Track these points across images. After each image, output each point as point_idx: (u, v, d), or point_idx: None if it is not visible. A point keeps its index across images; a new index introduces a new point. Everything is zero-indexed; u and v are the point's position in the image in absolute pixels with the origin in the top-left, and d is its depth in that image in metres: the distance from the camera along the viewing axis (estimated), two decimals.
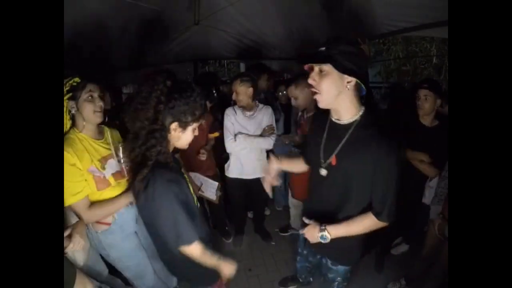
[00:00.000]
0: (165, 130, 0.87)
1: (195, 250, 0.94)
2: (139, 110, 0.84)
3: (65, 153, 1.02)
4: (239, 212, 2.37)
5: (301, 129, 1.97)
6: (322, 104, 0.95)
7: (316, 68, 0.91)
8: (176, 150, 1.04)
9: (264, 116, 1.95)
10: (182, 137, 0.93)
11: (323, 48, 0.88)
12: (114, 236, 1.19)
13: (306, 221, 1.09)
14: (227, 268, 1.05)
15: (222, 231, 2.45)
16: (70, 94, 1.05)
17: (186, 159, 1.92)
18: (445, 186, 1.66)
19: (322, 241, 1.03)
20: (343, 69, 0.87)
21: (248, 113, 1.92)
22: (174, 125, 0.88)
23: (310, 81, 0.93)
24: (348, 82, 0.89)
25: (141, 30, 2.34)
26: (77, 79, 1.06)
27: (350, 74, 0.87)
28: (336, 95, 0.91)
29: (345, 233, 1.02)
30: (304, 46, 2.80)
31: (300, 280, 1.62)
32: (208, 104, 2.04)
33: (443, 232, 1.46)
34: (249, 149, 1.96)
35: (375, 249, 2.11)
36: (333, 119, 1.02)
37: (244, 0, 2.04)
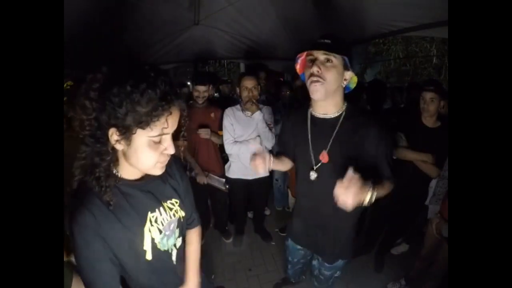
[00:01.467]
0: (102, 139, 0.58)
1: None
2: (68, 112, 0.59)
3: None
4: (240, 212, 2.37)
5: None
6: (320, 94, 0.90)
7: (322, 57, 0.88)
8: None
9: (264, 115, 1.95)
10: (132, 153, 0.59)
11: (329, 41, 0.86)
12: None
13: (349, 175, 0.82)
14: None
15: (222, 231, 2.45)
16: (65, 98, 1.07)
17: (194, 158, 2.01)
18: (443, 186, 1.66)
19: (366, 203, 0.87)
20: (350, 66, 0.89)
21: (248, 113, 1.92)
22: (111, 132, 0.57)
23: (314, 69, 0.88)
24: (345, 79, 0.92)
25: (141, 30, 2.34)
26: (70, 83, 1.07)
27: (351, 71, 0.91)
28: (335, 88, 0.92)
29: (381, 193, 0.91)
30: (303, 46, 2.80)
31: (293, 280, 1.61)
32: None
33: (441, 232, 1.46)
34: (249, 149, 1.97)
35: (375, 249, 2.11)
36: (317, 115, 1.00)
37: (244, 0, 2.04)
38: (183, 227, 0.84)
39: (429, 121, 1.65)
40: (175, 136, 0.66)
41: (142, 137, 0.58)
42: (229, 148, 1.96)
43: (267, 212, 2.78)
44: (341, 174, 0.91)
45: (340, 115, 0.97)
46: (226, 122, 1.95)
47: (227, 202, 2.39)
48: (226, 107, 2.01)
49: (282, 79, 3.12)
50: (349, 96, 1.01)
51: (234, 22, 2.46)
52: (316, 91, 0.90)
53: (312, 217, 1.13)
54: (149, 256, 0.71)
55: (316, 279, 1.29)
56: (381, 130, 0.93)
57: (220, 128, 2.05)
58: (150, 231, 0.70)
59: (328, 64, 0.88)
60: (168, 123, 0.58)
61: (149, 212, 0.71)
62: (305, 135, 1.03)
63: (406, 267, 1.89)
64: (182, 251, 0.86)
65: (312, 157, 1.01)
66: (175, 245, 0.81)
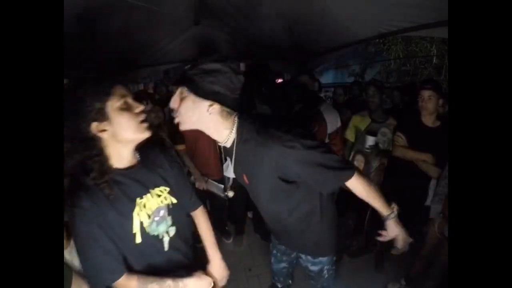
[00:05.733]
0: (86, 131, 0.70)
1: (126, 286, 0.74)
2: None
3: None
4: (240, 212, 2.37)
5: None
6: (182, 127, 0.84)
7: (179, 89, 0.80)
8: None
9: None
10: (117, 127, 0.72)
11: (188, 66, 0.80)
12: None
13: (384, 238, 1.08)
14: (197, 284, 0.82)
15: (222, 231, 2.45)
16: None
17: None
18: (445, 185, 1.66)
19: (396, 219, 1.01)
20: (201, 93, 0.75)
21: None
22: (94, 125, 0.70)
23: (171, 104, 0.82)
24: (210, 106, 0.78)
25: (141, 31, 2.34)
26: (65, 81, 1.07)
27: (210, 98, 0.76)
28: (196, 120, 0.81)
29: (377, 197, 0.94)
30: (303, 46, 2.80)
31: (279, 285, 1.54)
32: None
33: (443, 231, 1.46)
34: None
35: (375, 249, 2.11)
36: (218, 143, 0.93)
37: (244, 0, 2.04)
38: (177, 215, 0.89)
39: (428, 120, 1.66)
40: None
41: (114, 107, 0.71)
42: None
43: None
44: (262, 197, 0.97)
45: (233, 142, 0.88)
46: None
47: (226, 202, 2.39)
48: None
49: (281, 80, 3.12)
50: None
51: (234, 22, 2.46)
52: (178, 126, 0.84)
53: (272, 224, 1.15)
54: (138, 239, 0.77)
55: (309, 277, 1.30)
56: (277, 151, 0.81)
57: None
58: (138, 215, 0.77)
59: (182, 95, 0.79)
60: (118, 92, 0.72)
61: (138, 198, 0.78)
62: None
63: (406, 267, 1.89)
64: (178, 241, 0.88)
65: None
66: (167, 233, 0.85)
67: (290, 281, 1.56)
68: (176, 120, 0.83)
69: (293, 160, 0.82)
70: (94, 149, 0.71)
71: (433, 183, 1.75)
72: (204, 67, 0.75)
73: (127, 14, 2.02)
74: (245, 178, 0.95)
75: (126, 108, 0.73)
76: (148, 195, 0.80)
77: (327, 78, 9.86)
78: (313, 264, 1.21)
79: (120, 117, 0.71)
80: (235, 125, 0.86)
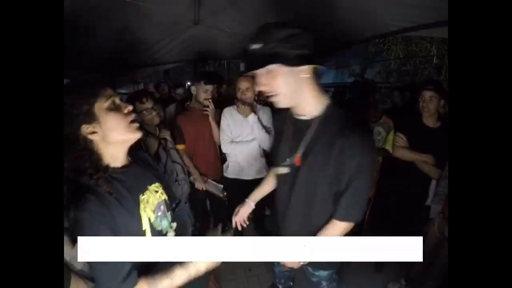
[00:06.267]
0: (75, 138, 0.69)
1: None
2: None
3: None
4: None
5: None
6: (282, 105, 0.83)
7: (261, 70, 0.78)
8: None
9: (262, 116, 1.93)
10: (107, 128, 0.71)
11: (258, 46, 0.74)
12: None
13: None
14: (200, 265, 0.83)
15: (222, 231, 2.44)
16: None
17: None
18: (445, 185, 1.67)
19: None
20: (294, 62, 0.74)
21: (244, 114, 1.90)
22: (84, 128, 0.69)
23: (261, 88, 0.80)
24: (302, 71, 0.77)
25: (141, 30, 2.34)
26: None
27: (302, 63, 0.75)
28: (294, 91, 0.80)
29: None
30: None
31: (280, 287, 1.51)
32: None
33: (443, 232, 1.46)
34: (247, 150, 1.96)
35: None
36: (294, 115, 0.91)
37: (245, 0, 2.04)
38: (177, 211, 0.93)
39: (429, 121, 1.66)
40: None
41: (101, 108, 0.70)
42: (225, 148, 1.96)
43: (267, 212, 2.78)
44: (307, 185, 0.89)
45: (319, 115, 0.85)
46: (223, 122, 1.94)
47: (226, 202, 2.39)
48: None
49: None
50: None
51: (235, 22, 2.46)
52: (275, 103, 0.83)
53: (287, 222, 1.09)
54: (149, 236, 0.77)
55: (310, 282, 1.27)
56: (355, 144, 0.79)
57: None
58: (145, 211, 0.78)
59: (271, 73, 0.76)
60: (105, 92, 0.71)
61: (140, 195, 0.78)
62: (282, 133, 0.98)
63: (406, 267, 1.89)
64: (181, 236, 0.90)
65: (282, 155, 0.96)
66: (171, 228, 0.88)
67: (291, 283, 1.55)
68: (274, 99, 0.81)
69: (359, 160, 0.79)
70: (85, 150, 0.70)
71: (433, 183, 1.75)
72: (278, 36, 0.72)
73: (127, 14, 2.02)
74: (298, 158, 0.89)
75: (114, 108, 0.72)
76: (148, 191, 0.82)
77: (327, 78, 9.85)
78: (312, 276, 1.18)
79: (108, 118, 0.70)
80: (327, 100, 0.85)
